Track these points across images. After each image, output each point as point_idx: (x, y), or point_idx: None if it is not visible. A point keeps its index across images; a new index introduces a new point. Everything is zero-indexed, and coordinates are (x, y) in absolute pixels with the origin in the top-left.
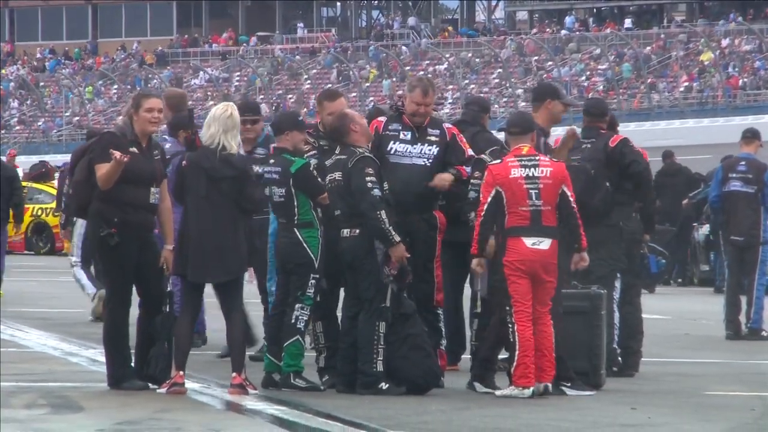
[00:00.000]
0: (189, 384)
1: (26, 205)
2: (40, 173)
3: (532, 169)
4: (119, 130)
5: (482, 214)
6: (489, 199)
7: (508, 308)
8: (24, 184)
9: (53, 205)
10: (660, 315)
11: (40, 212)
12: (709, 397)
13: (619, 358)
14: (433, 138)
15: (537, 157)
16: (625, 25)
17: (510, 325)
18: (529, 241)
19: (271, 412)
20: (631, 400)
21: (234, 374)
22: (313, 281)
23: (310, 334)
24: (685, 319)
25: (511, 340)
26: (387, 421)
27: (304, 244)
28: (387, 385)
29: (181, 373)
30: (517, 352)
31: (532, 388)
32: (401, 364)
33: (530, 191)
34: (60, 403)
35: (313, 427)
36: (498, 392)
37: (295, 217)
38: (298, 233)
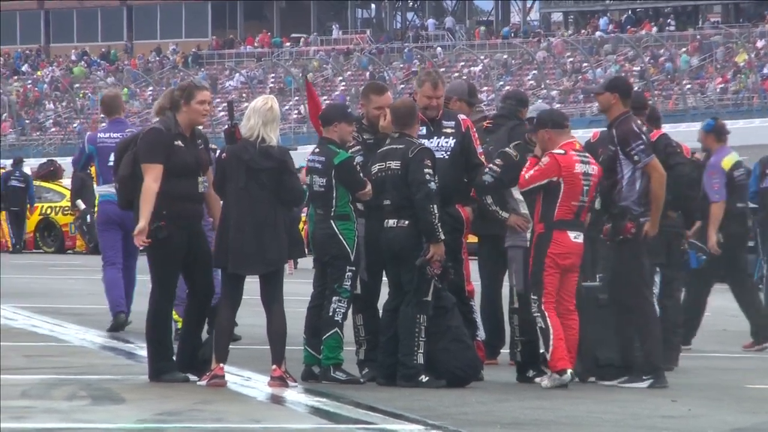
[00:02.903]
0: (229, 376)
1: (35, 204)
2: (49, 172)
3: (587, 166)
4: (163, 124)
5: (524, 187)
6: (540, 183)
7: (535, 297)
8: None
9: (62, 203)
10: None
11: (48, 211)
12: (749, 390)
13: None
14: (448, 130)
15: (587, 155)
16: (667, 27)
17: (539, 314)
18: (572, 235)
19: (312, 404)
20: (671, 393)
21: (274, 367)
22: (349, 273)
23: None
24: (722, 315)
25: (543, 327)
26: (427, 413)
27: (340, 236)
28: (427, 378)
29: (222, 365)
30: (551, 336)
31: (569, 371)
32: (441, 357)
33: (584, 188)
34: (101, 395)
35: (353, 418)
36: (542, 384)
37: (333, 209)
38: (334, 225)
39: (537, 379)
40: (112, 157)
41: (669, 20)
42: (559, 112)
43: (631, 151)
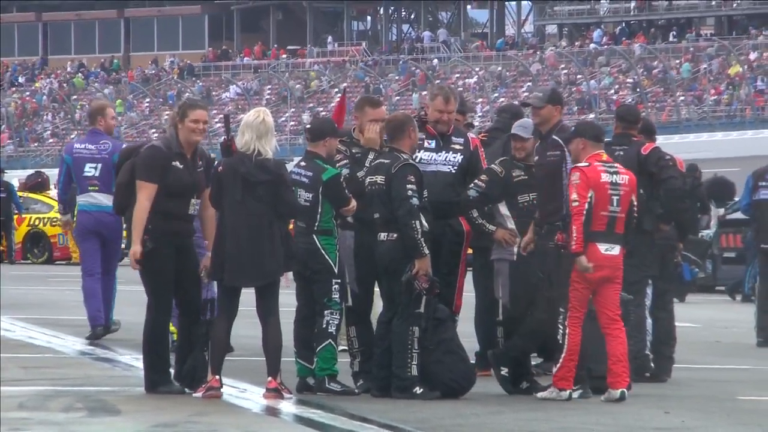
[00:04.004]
0: (224, 388)
1: (23, 215)
2: (36, 183)
3: (615, 176)
4: (164, 142)
5: (583, 213)
6: (588, 201)
7: (563, 310)
8: (19, 194)
9: (50, 214)
10: (690, 323)
11: (36, 222)
12: (742, 402)
13: (651, 364)
14: (457, 146)
15: (615, 165)
16: (669, 39)
17: (561, 328)
18: (603, 247)
19: (307, 416)
20: (664, 405)
21: (269, 378)
22: (336, 286)
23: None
24: (715, 327)
25: (560, 342)
26: (422, 424)
27: (322, 251)
28: (421, 390)
29: (217, 377)
30: (563, 355)
31: (568, 391)
32: (435, 368)
33: (612, 197)
34: (97, 407)
35: (348, 430)
36: (539, 395)
37: (316, 224)
38: (316, 240)
39: (538, 395)
40: (86, 167)
41: (672, 32)
42: (598, 125)
43: None
